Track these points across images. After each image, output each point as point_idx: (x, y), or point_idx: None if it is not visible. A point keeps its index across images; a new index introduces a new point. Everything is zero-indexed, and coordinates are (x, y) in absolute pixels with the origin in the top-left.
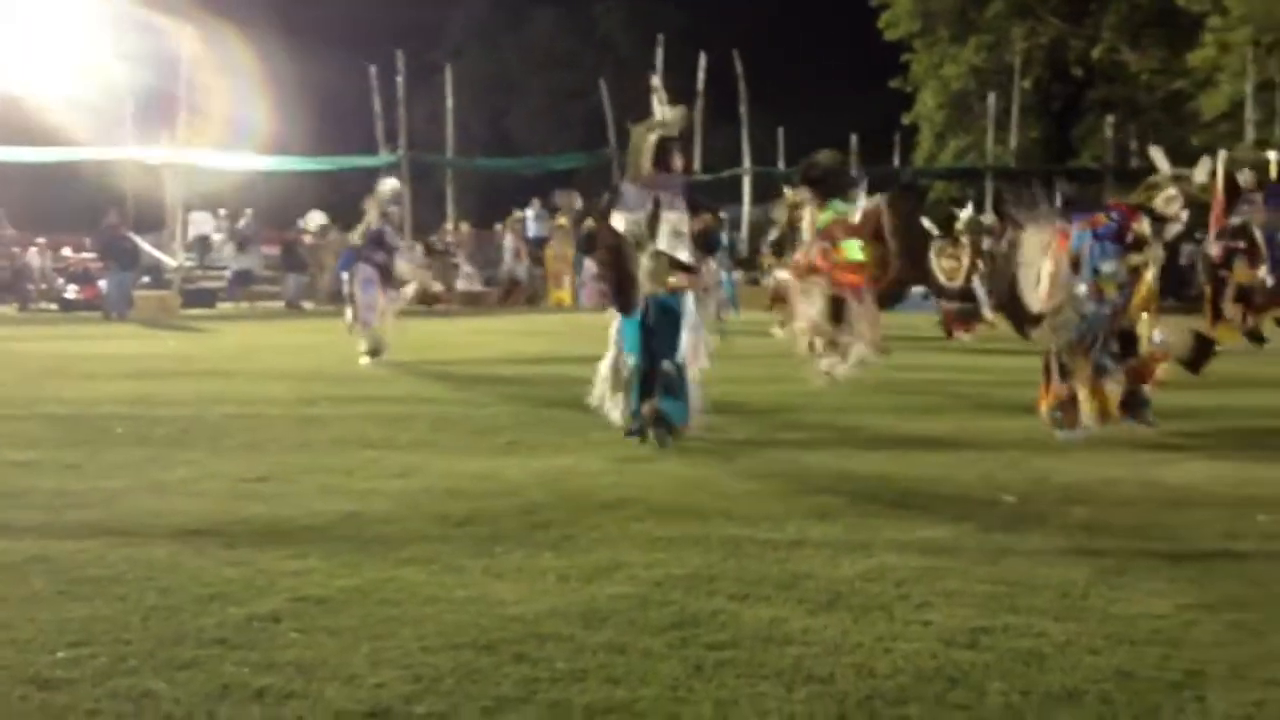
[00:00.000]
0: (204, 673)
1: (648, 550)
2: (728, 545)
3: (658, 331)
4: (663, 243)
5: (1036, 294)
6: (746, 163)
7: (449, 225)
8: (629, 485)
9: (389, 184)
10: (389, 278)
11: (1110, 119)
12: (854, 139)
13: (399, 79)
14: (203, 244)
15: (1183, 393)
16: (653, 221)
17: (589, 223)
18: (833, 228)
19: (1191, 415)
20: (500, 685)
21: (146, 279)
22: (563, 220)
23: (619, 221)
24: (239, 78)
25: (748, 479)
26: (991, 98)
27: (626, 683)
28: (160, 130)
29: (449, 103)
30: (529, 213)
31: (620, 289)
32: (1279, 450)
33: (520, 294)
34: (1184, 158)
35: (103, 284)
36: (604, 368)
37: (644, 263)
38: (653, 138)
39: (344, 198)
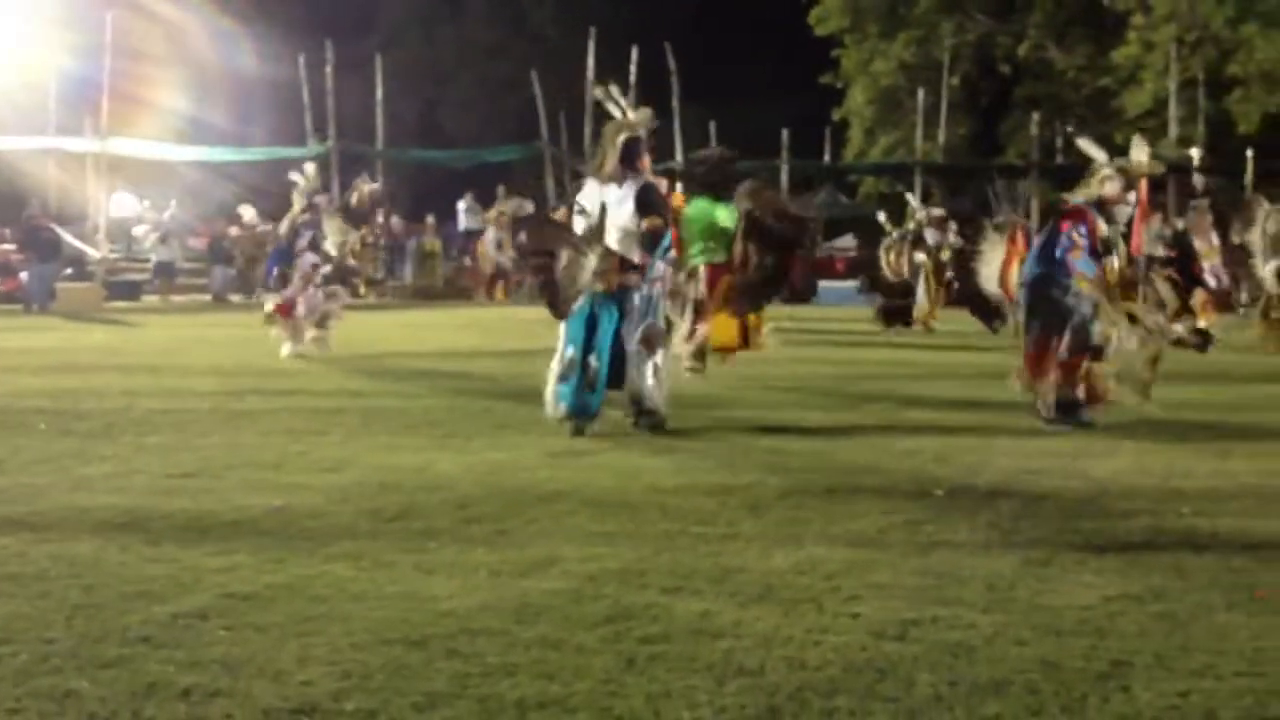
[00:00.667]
0: (129, 671)
1: (581, 544)
2: (660, 539)
3: (598, 328)
4: (612, 241)
5: (997, 289)
6: (679, 156)
7: (379, 218)
8: (563, 479)
9: (307, 170)
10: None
11: (1036, 116)
12: (785, 133)
13: (328, 69)
14: (126, 229)
15: None
16: (601, 220)
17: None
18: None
19: (1118, 408)
20: (431, 681)
21: (69, 271)
22: (497, 212)
23: (579, 222)
24: (164, 66)
25: (680, 473)
26: (920, 94)
27: (559, 677)
28: (83, 119)
29: (379, 93)
30: (460, 205)
31: (550, 296)
32: (1203, 444)
33: (509, 285)
34: (1109, 155)
35: (24, 276)
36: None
37: (591, 261)
38: (621, 138)
39: (275, 189)
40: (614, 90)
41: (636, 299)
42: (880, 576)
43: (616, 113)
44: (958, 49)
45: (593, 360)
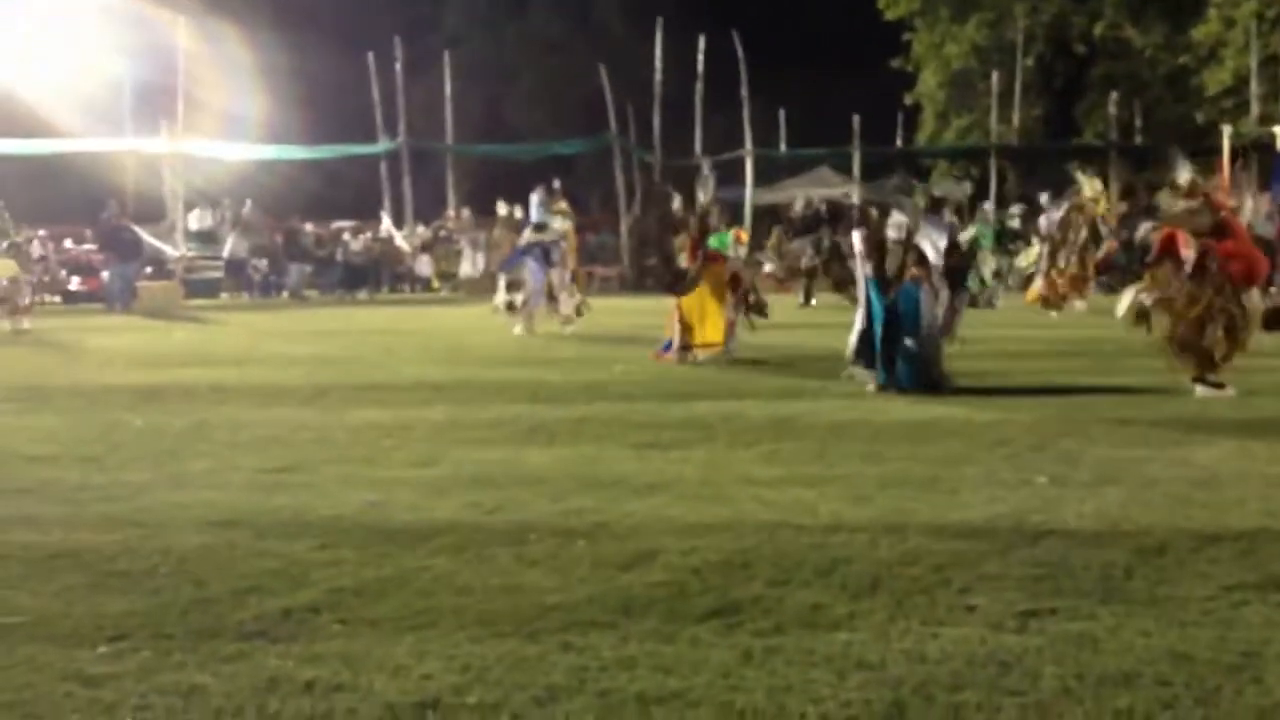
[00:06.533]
0: (249, 666)
1: (681, 537)
2: (761, 531)
3: (902, 313)
4: (923, 246)
5: None
6: (748, 145)
7: (450, 212)
8: (654, 472)
9: (559, 220)
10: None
11: (1114, 96)
12: (856, 119)
13: (397, 66)
14: (204, 237)
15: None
16: (909, 236)
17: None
18: None
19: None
20: (549, 674)
21: (149, 270)
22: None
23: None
24: (236, 68)
25: (771, 464)
26: (994, 76)
27: (677, 671)
28: (158, 121)
29: (447, 90)
30: (533, 198)
31: (882, 275)
32: None
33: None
34: (1189, 134)
35: (105, 275)
36: (853, 338)
37: (898, 257)
38: (932, 193)
39: (341, 188)
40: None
41: (928, 287)
42: (990, 567)
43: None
44: (1031, 30)
45: (908, 341)
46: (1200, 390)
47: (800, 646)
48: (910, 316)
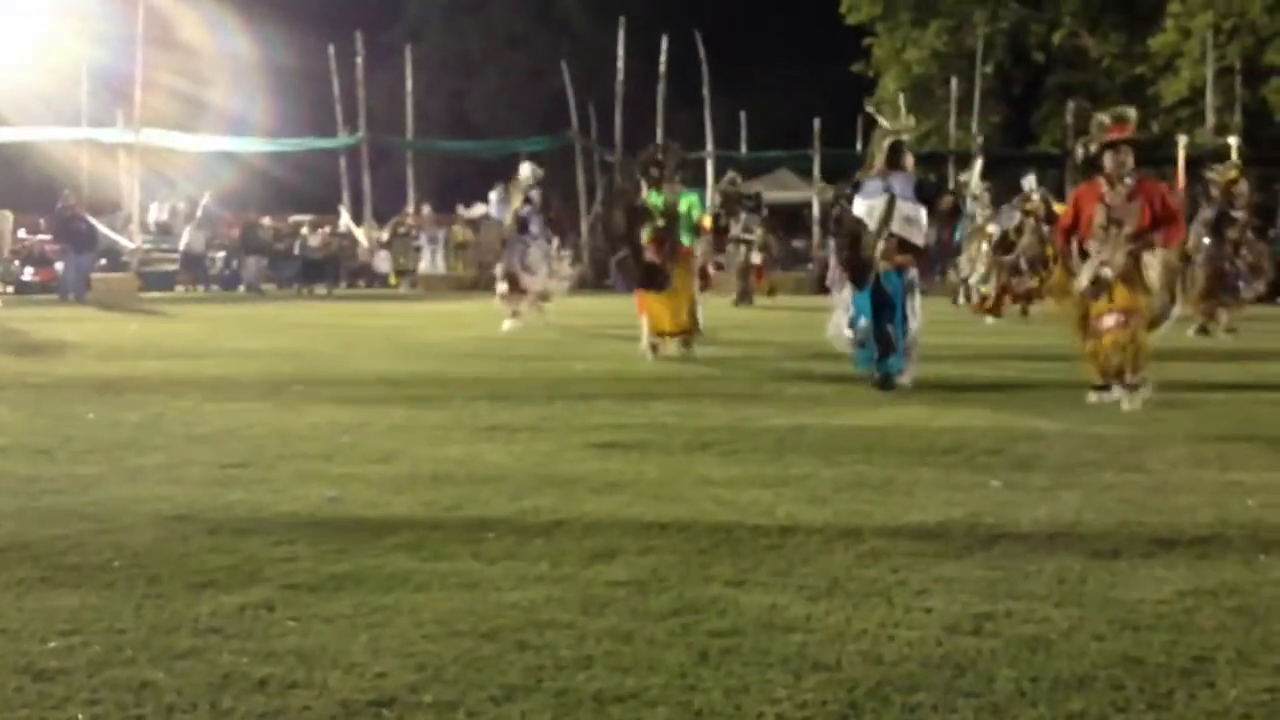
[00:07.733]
0: (203, 662)
1: (639, 536)
2: (719, 531)
3: (887, 301)
4: (896, 226)
5: None
6: (709, 146)
7: (410, 208)
8: (614, 471)
9: (526, 168)
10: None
11: (1070, 104)
12: (816, 123)
13: (358, 60)
14: (163, 229)
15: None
16: (889, 208)
17: (835, 208)
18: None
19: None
20: (505, 674)
21: (103, 261)
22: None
23: (859, 206)
24: (195, 58)
25: (730, 464)
26: (953, 82)
27: (634, 671)
28: (115, 110)
29: (408, 84)
30: (492, 196)
31: (855, 268)
32: (1258, 432)
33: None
34: (1144, 144)
35: (59, 266)
36: (831, 326)
37: (878, 244)
38: (887, 141)
39: (302, 180)
40: (880, 106)
41: (912, 275)
42: (946, 570)
43: (884, 122)
44: (991, 37)
45: (890, 328)
46: (1121, 400)
47: (757, 647)
48: (893, 302)
